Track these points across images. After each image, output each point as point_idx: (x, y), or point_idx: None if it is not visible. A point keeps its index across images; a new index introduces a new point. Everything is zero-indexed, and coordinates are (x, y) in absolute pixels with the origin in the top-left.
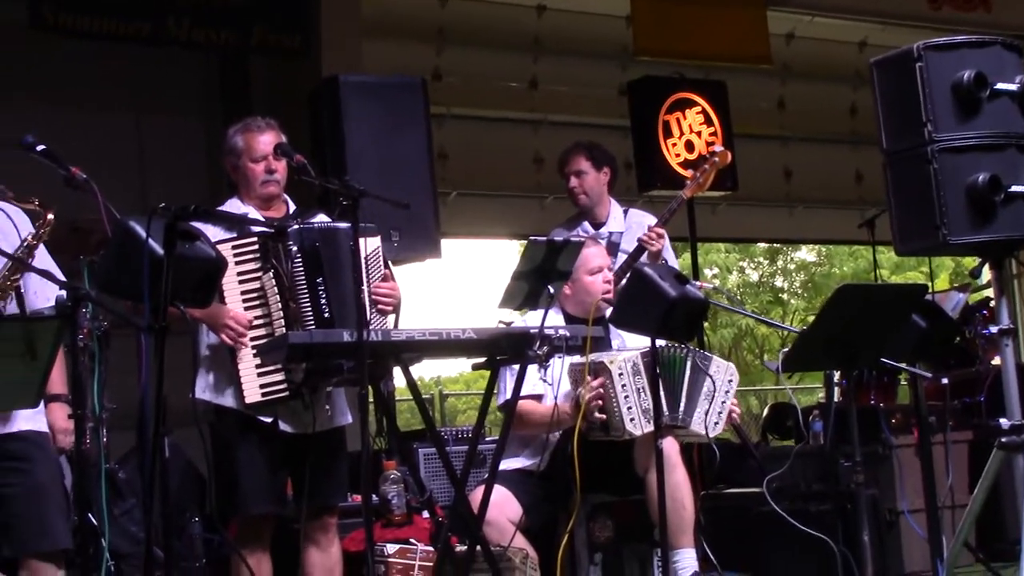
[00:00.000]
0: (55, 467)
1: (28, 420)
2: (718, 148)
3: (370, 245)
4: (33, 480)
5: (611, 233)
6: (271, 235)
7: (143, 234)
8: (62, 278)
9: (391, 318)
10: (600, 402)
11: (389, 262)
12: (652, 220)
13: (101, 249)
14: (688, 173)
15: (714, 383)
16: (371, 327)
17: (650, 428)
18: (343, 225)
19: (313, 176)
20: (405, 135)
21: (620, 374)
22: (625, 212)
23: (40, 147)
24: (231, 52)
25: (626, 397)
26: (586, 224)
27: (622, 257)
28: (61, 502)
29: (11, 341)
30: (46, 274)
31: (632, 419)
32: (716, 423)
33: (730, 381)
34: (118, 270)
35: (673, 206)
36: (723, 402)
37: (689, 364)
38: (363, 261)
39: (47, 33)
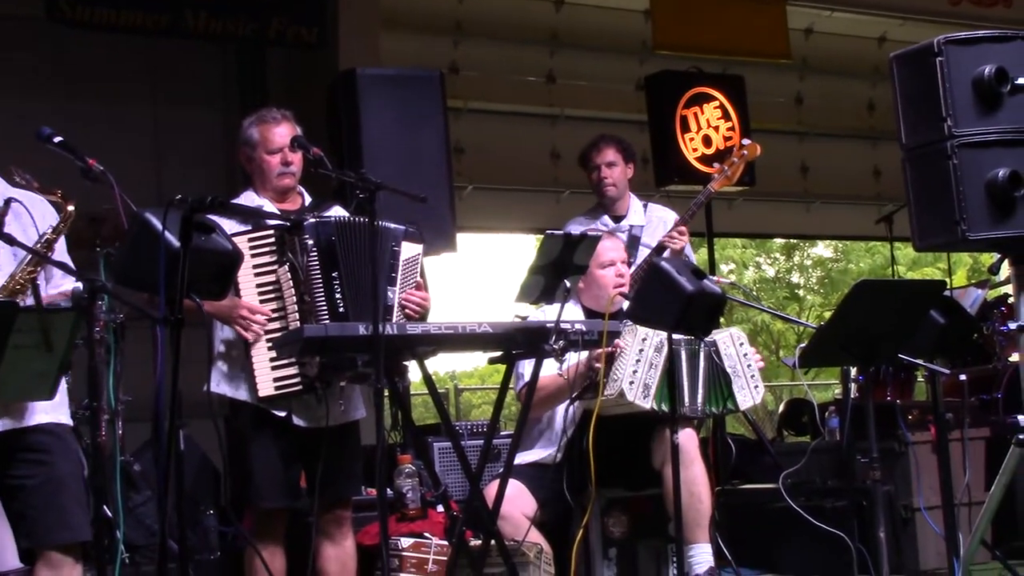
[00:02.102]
0: (76, 460)
1: (48, 413)
2: (746, 141)
3: (411, 250)
4: (53, 472)
5: (632, 227)
6: (287, 228)
7: (159, 226)
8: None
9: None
10: (610, 350)
11: (425, 273)
12: (673, 216)
13: (117, 241)
14: (714, 168)
15: (735, 358)
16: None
17: (643, 404)
18: (392, 226)
19: (330, 169)
20: (422, 128)
21: (644, 339)
22: (645, 206)
23: (57, 139)
24: (248, 44)
25: (637, 361)
26: (606, 217)
27: (643, 251)
28: (81, 495)
29: (28, 333)
30: (62, 266)
31: (632, 383)
32: (756, 386)
33: (741, 344)
34: (134, 262)
35: (700, 199)
36: (749, 364)
37: (703, 354)
38: (400, 263)
39: (64, 25)
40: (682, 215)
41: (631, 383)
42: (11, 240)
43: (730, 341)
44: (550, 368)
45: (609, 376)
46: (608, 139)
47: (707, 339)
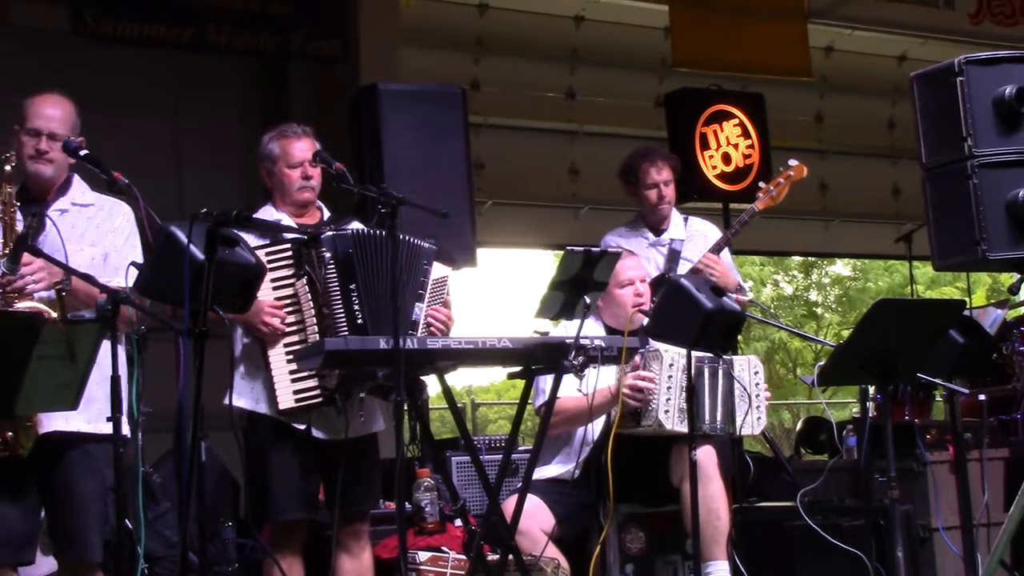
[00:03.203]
0: (100, 480)
1: (90, 423)
2: (793, 162)
3: (442, 271)
4: (74, 492)
5: (672, 240)
6: (305, 241)
7: (184, 239)
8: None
9: None
10: (644, 386)
11: (450, 293)
12: (714, 229)
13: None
14: (760, 188)
15: (745, 385)
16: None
17: (681, 428)
18: (426, 245)
19: (352, 183)
20: (443, 144)
21: (671, 364)
22: (685, 220)
23: (83, 152)
24: (270, 59)
25: (669, 388)
26: (646, 231)
27: (684, 265)
28: (99, 516)
29: (52, 344)
30: (88, 279)
31: (667, 411)
32: (760, 418)
33: (756, 373)
34: (159, 274)
35: (744, 218)
36: (758, 395)
37: (721, 372)
38: (430, 281)
39: (88, 39)
40: (725, 234)
41: (666, 411)
42: (38, 252)
43: (746, 367)
44: (571, 387)
45: (641, 414)
46: (663, 155)
47: (725, 357)
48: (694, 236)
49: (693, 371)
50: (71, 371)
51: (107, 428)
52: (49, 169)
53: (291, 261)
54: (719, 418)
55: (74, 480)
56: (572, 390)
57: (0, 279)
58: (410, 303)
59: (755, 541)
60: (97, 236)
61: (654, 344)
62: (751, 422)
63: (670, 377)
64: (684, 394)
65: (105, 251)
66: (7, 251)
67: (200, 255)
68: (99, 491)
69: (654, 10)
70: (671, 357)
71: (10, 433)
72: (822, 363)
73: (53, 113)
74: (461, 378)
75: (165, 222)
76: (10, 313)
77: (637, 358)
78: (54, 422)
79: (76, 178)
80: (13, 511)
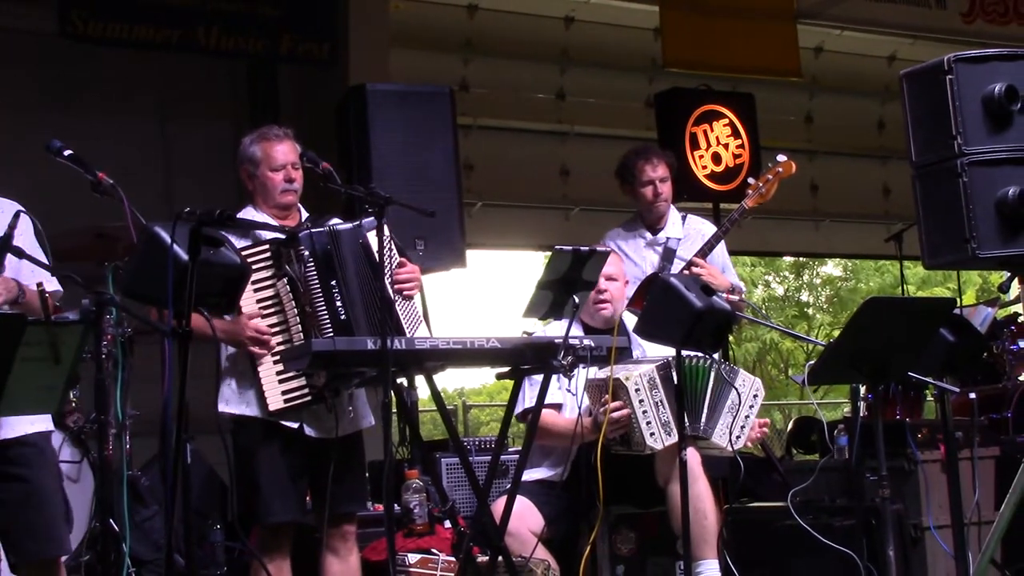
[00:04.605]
0: (55, 473)
1: (32, 423)
2: (781, 157)
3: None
4: (33, 488)
5: (668, 239)
6: (283, 241)
7: (168, 239)
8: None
9: (417, 299)
10: (621, 425)
11: (396, 247)
12: (711, 228)
13: (127, 255)
14: (749, 184)
15: (739, 396)
16: (402, 316)
17: (671, 440)
18: (346, 225)
19: (339, 184)
20: (432, 145)
21: (637, 390)
22: (683, 218)
23: (67, 152)
24: (259, 60)
25: (644, 412)
26: (644, 230)
27: (678, 264)
28: (61, 509)
29: (36, 346)
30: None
31: (652, 433)
32: (739, 436)
33: (755, 396)
34: (143, 275)
35: (735, 216)
36: (747, 416)
37: (713, 375)
38: (374, 254)
39: (76, 41)
40: (716, 231)
41: (652, 434)
42: (20, 253)
43: (749, 384)
44: (552, 389)
45: (630, 441)
46: (658, 153)
47: (729, 365)
48: (691, 235)
49: (680, 370)
50: (54, 373)
51: (45, 425)
52: None
53: (271, 262)
54: (702, 420)
55: (31, 475)
56: (555, 392)
57: None
58: (380, 289)
59: (746, 541)
60: None
61: (618, 371)
62: (731, 436)
63: (641, 401)
64: (662, 408)
65: None
66: None
67: (184, 255)
68: (57, 485)
69: (644, 11)
70: (634, 382)
71: None
72: (812, 362)
73: None
74: (453, 380)
75: (149, 222)
76: None
77: (607, 396)
78: (16, 428)
79: None
80: None
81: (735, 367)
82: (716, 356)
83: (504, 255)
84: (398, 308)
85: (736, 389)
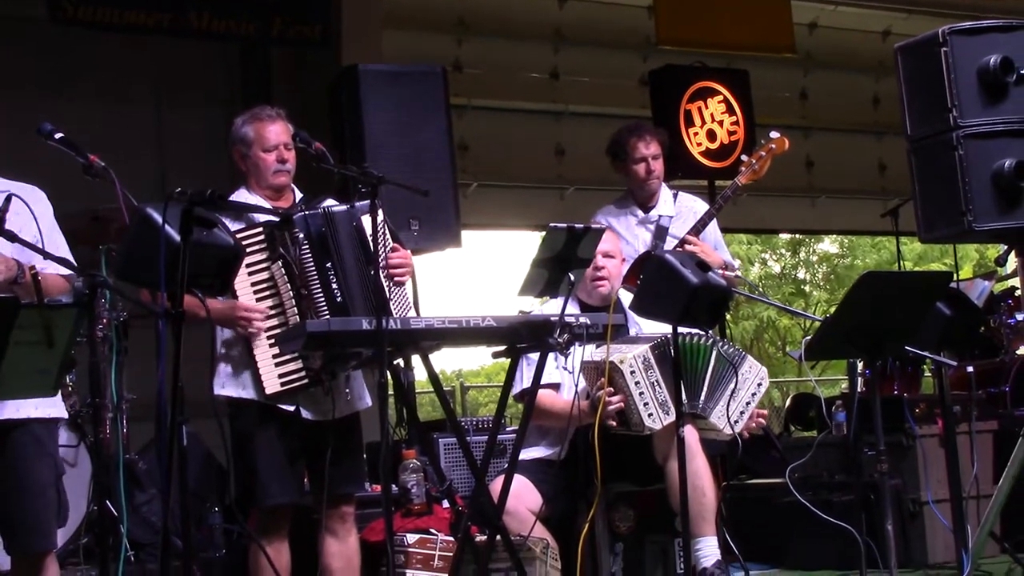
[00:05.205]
0: (52, 465)
1: (37, 407)
2: (775, 134)
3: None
4: (28, 479)
5: (660, 216)
6: (277, 224)
7: (160, 220)
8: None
9: (408, 285)
10: (619, 405)
11: (389, 231)
12: (703, 206)
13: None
14: (742, 161)
15: (738, 379)
16: (391, 302)
17: (669, 420)
18: (340, 207)
19: (332, 164)
20: (425, 125)
21: (632, 371)
22: (675, 196)
23: (58, 135)
24: (251, 42)
25: (641, 394)
26: (635, 208)
27: (671, 242)
28: (53, 502)
29: (29, 329)
30: (63, 262)
31: (650, 414)
32: (737, 421)
33: (759, 384)
34: (135, 257)
35: (728, 193)
36: (748, 402)
37: (714, 355)
38: (368, 239)
39: (67, 25)
40: (709, 209)
41: (649, 415)
42: (12, 237)
43: (755, 372)
44: (550, 369)
45: (628, 422)
46: (650, 130)
47: (737, 350)
48: (683, 212)
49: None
50: (49, 357)
51: (54, 411)
52: None
53: (264, 245)
54: (700, 397)
55: (26, 467)
56: (552, 371)
57: None
58: (370, 273)
59: (745, 518)
60: None
61: (614, 352)
62: (728, 420)
63: (637, 383)
64: (658, 387)
65: None
66: None
67: (176, 236)
68: (52, 477)
69: None
70: (629, 365)
71: None
72: (809, 338)
73: None
74: (451, 361)
75: (141, 204)
76: None
77: (603, 379)
78: (6, 410)
79: None
80: None
81: (745, 353)
82: (725, 339)
83: (499, 235)
84: (388, 294)
85: (739, 373)
